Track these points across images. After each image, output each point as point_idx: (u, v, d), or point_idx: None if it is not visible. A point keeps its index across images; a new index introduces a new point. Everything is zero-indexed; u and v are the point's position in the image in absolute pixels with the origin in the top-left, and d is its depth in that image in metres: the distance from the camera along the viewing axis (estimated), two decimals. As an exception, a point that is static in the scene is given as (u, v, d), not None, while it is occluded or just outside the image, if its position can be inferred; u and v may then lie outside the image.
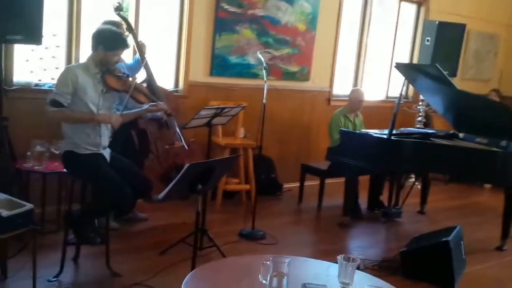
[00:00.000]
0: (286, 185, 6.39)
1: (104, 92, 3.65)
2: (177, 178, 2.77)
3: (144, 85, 4.82)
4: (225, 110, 4.20)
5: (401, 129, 5.93)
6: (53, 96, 3.52)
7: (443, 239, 3.99)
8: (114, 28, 3.78)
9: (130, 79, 3.84)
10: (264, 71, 4.80)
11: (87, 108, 3.59)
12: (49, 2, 4.63)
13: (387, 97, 7.71)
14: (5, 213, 2.97)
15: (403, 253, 4.21)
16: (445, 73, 4.82)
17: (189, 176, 2.82)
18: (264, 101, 4.78)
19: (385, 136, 4.99)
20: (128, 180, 3.60)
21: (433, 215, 6.05)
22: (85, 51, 4.89)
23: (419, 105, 7.12)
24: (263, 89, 4.82)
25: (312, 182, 6.15)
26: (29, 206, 3.16)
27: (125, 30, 4.56)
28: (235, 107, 4.34)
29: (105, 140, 3.76)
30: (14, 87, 4.55)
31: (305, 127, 6.79)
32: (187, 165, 2.75)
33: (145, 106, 3.85)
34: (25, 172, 4.26)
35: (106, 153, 3.77)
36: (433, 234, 4.40)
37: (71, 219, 3.69)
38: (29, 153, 4.26)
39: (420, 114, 7.19)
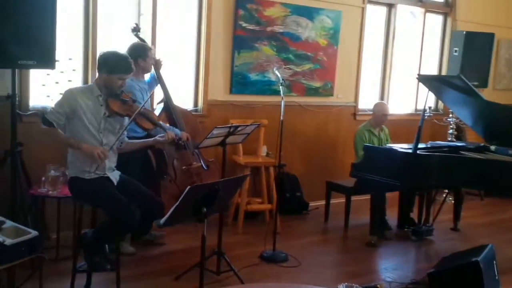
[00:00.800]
0: (313, 203, 6.22)
1: (106, 116, 3.60)
2: (178, 202, 2.64)
3: (161, 105, 4.80)
4: (239, 128, 4.08)
5: (430, 142, 5.69)
6: (48, 114, 3.52)
7: (473, 259, 3.74)
8: (117, 52, 3.73)
9: (136, 104, 3.77)
10: (281, 87, 4.65)
11: (87, 131, 3.56)
12: (64, 25, 4.65)
13: (415, 110, 7.46)
14: (8, 241, 2.91)
15: (431, 274, 3.97)
16: (470, 83, 4.60)
17: (191, 199, 2.70)
18: (281, 118, 4.64)
19: (410, 151, 4.77)
20: (137, 201, 3.53)
21: (467, 232, 5.76)
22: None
23: (450, 118, 6.84)
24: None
25: (339, 200, 5.96)
26: (34, 233, 3.09)
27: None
28: (249, 125, 4.21)
29: (111, 162, 3.70)
30: (29, 112, 4.54)
31: (330, 143, 6.61)
32: (187, 188, 2.62)
33: (156, 138, 3.86)
34: (40, 197, 4.21)
35: (114, 175, 3.71)
36: (463, 254, 4.15)
37: (84, 242, 3.63)
38: (43, 178, 4.22)
39: (451, 126, 6.92)
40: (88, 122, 3.55)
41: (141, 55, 4.44)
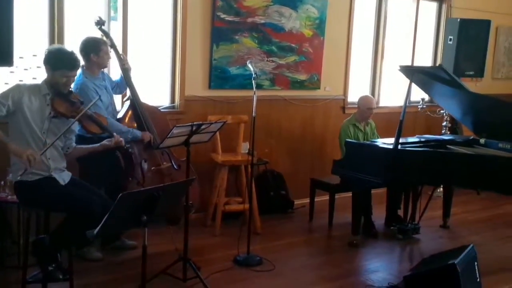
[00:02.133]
0: (298, 202, 5.99)
1: (51, 116, 3.41)
2: (110, 210, 2.44)
3: (128, 103, 4.59)
4: (203, 127, 3.86)
5: (417, 136, 5.43)
6: None
7: (450, 262, 3.51)
8: (62, 47, 3.56)
9: (84, 106, 3.57)
10: (253, 81, 4.41)
11: (30, 128, 3.39)
12: (28, 20, 4.46)
13: (408, 102, 7.17)
14: None
15: (406, 278, 3.74)
16: (452, 75, 4.34)
17: (125, 207, 2.49)
18: (253, 114, 4.40)
19: (391, 146, 4.53)
20: None
21: (457, 230, 5.50)
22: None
23: (443, 110, 6.58)
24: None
25: (325, 198, 5.72)
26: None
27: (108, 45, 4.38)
28: (213, 123, 3.98)
29: (56, 162, 3.52)
30: (-8, 112, 4.35)
31: (318, 139, 6.38)
32: (120, 195, 2.42)
33: (103, 142, 3.66)
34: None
35: (62, 176, 3.55)
36: (442, 255, 3.92)
37: (40, 249, 3.44)
38: (2, 183, 4.04)
39: (446, 119, 6.65)
40: (32, 120, 3.38)
41: (93, 50, 4.22)
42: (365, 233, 5.14)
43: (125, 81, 4.49)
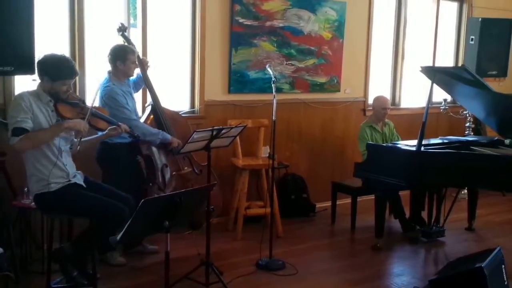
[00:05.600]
0: (320, 205, 5.94)
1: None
2: (132, 216, 2.44)
3: (149, 108, 4.61)
4: (223, 131, 3.84)
5: (440, 137, 5.36)
6: (15, 124, 3.27)
7: (477, 265, 3.43)
8: (59, 56, 3.48)
9: (88, 105, 3.57)
10: (273, 85, 4.39)
11: None
12: (49, 28, 4.50)
13: (431, 102, 7.08)
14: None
15: (432, 281, 3.67)
16: (476, 75, 4.27)
17: (147, 213, 2.48)
18: (273, 118, 4.38)
19: (414, 148, 4.47)
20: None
21: (482, 232, 5.40)
22: (90, 78, 4.74)
23: (466, 110, 6.48)
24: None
25: (346, 201, 5.68)
26: (-2, 250, 2.92)
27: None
28: (234, 127, 3.97)
29: (72, 167, 3.54)
30: (14, 120, 4.39)
31: (338, 142, 6.34)
32: (142, 201, 2.41)
33: (106, 131, 3.62)
34: (23, 209, 4.06)
35: (79, 179, 3.55)
36: (468, 258, 3.84)
37: (63, 255, 3.45)
38: (26, 189, 4.06)
39: (469, 119, 6.56)
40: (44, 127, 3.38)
41: (120, 58, 4.24)
42: (408, 234, 5.16)
43: (147, 87, 4.52)
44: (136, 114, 4.45)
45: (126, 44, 4.42)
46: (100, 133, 3.74)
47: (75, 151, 3.55)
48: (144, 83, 4.53)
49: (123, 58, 4.23)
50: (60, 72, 3.38)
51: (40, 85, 3.46)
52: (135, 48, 4.44)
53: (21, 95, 3.40)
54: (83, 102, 3.61)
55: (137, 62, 4.38)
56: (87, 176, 3.72)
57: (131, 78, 4.57)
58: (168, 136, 4.37)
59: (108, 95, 4.14)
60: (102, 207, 3.38)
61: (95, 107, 3.64)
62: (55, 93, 3.41)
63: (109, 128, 3.66)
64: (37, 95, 3.42)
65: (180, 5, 5.26)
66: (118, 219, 3.27)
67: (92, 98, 3.62)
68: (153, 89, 4.52)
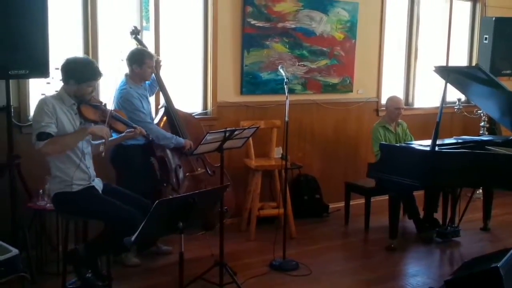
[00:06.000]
0: (333, 205, 5.93)
1: (82, 125, 3.44)
2: (146, 218, 2.45)
3: (162, 110, 4.63)
4: (236, 132, 3.85)
5: (454, 137, 5.33)
6: (40, 129, 3.31)
7: (493, 265, 3.40)
8: (82, 58, 3.55)
9: (108, 107, 3.60)
10: (285, 86, 4.40)
11: None
12: (63, 32, 4.54)
13: (445, 102, 7.04)
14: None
15: (448, 282, 3.64)
16: (490, 74, 4.24)
17: (161, 214, 2.49)
18: (286, 118, 4.38)
19: (427, 148, 4.45)
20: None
21: (498, 232, 5.35)
22: (104, 81, 4.77)
23: (481, 110, 6.44)
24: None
25: (359, 201, 5.67)
26: (14, 252, 2.96)
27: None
28: (246, 129, 3.97)
29: (93, 170, 3.57)
30: (29, 123, 4.43)
31: (351, 142, 6.31)
32: (156, 202, 2.42)
33: (123, 134, 3.64)
34: (39, 211, 4.10)
35: (98, 183, 3.58)
36: (484, 258, 3.82)
37: (76, 257, 3.48)
38: (41, 191, 4.11)
39: (483, 119, 6.52)
40: (68, 131, 3.41)
41: (137, 61, 4.27)
42: (423, 234, 5.12)
43: (160, 88, 4.54)
44: (151, 117, 4.47)
45: (143, 48, 4.44)
46: (115, 136, 3.77)
47: (100, 156, 3.57)
48: (157, 84, 4.55)
49: (140, 62, 4.26)
50: (86, 74, 3.41)
51: (64, 88, 3.50)
52: (153, 53, 4.47)
53: (44, 100, 3.44)
54: (104, 104, 3.64)
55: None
56: (107, 183, 3.76)
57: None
58: (182, 140, 4.40)
59: (124, 98, 4.18)
60: (114, 212, 3.41)
61: (114, 110, 3.69)
62: (81, 95, 3.45)
63: (126, 130, 3.68)
64: (61, 99, 3.46)
65: (192, 8, 5.29)
66: (130, 224, 3.28)
67: (111, 100, 3.65)
68: (166, 90, 4.54)
